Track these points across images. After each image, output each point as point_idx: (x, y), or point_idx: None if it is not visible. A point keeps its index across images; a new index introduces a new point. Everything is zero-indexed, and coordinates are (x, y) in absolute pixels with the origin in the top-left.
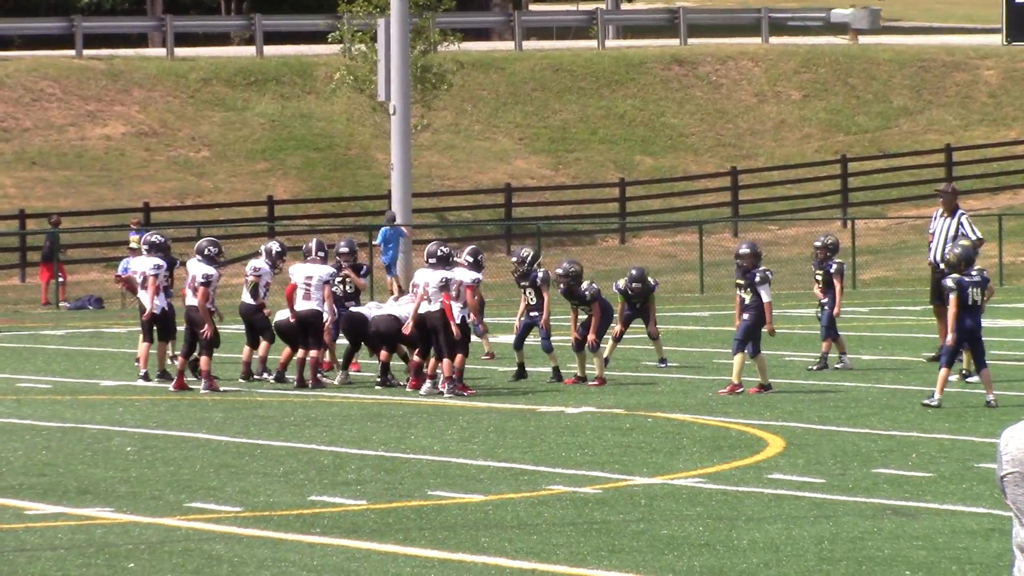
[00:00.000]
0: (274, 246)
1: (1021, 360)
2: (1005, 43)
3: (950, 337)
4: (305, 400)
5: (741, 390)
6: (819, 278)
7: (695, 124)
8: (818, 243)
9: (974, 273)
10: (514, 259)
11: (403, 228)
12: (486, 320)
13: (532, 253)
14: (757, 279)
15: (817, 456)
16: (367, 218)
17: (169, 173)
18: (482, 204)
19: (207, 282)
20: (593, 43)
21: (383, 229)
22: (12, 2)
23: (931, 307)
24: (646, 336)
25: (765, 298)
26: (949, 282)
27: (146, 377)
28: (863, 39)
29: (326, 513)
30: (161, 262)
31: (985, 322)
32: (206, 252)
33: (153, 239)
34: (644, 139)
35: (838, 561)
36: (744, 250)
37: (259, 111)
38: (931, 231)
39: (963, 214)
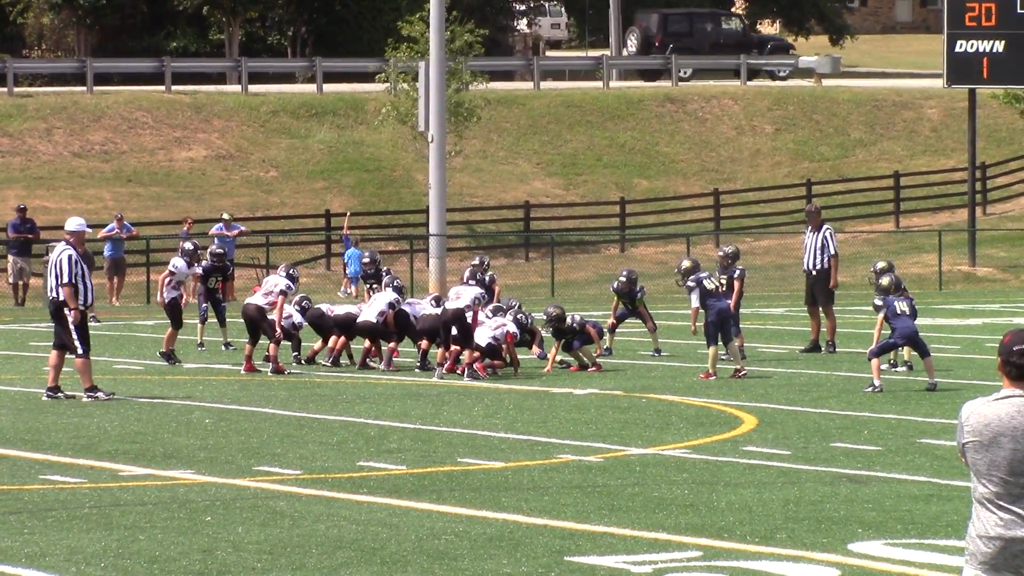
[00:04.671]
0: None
1: (956, 352)
2: (946, 86)
3: (874, 337)
4: (355, 381)
5: (715, 378)
6: (723, 281)
7: (684, 152)
8: (720, 252)
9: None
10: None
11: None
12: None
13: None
14: (690, 284)
15: (784, 432)
16: (408, 229)
17: (243, 190)
18: (505, 218)
19: (284, 293)
20: (599, 84)
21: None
22: (112, 46)
23: (834, 307)
24: (644, 329)
25: (693, 303)
26: (878, 302)
27: (170, 356)
28: (826, 82)
29: (372, 476)
30: (181, 264)
31: (926, 320)
32: (289, 272)
33: (185, 246)
34: (641, 165)
35: (801, 520)
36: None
37: (319, 138)
38: (804, 244)
39: (828, 229)
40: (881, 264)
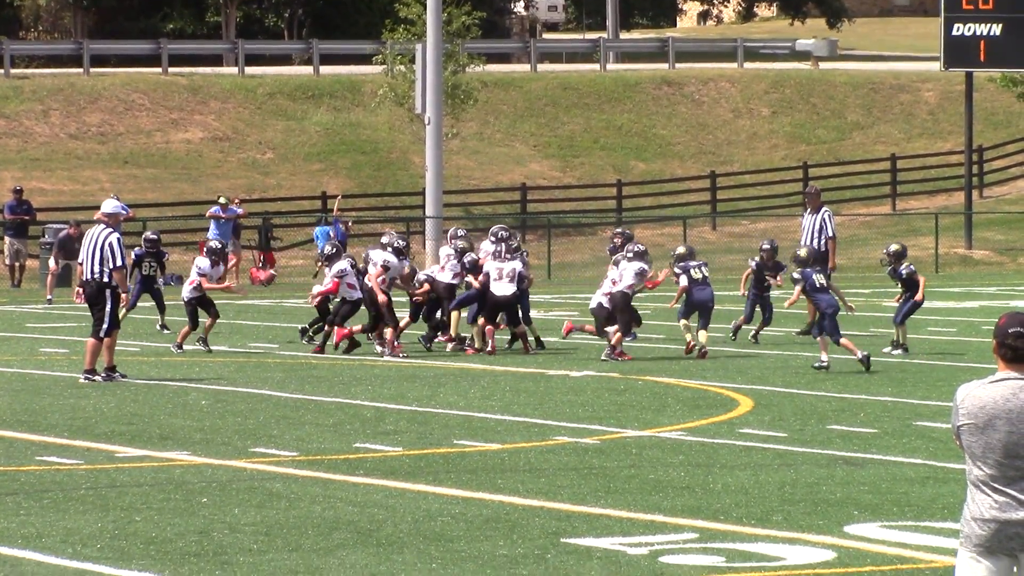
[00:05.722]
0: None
1: (952, 335)
2: (943, 69)
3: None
4: (351, 363)
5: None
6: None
7: (681, 135)
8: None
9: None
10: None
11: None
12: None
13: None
14: (677, 270)
15: (780, 414)
16: (405, 211)
17: (239, 172)
18: (501, 200)
19: (386, 267)
20: (596, 66)
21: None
22: (109, 28)
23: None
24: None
25: (682, 283)
26: (796, 274)
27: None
28: (823, 65)
29: (368, 458)
30: (205, 264)
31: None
32: (395, 245)
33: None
34: (638, 147)
35: (797, 502)
36: (893, 248)
37: (315, 120)
38: (802, 226)
39: (826, 211)
40: (895, 247)
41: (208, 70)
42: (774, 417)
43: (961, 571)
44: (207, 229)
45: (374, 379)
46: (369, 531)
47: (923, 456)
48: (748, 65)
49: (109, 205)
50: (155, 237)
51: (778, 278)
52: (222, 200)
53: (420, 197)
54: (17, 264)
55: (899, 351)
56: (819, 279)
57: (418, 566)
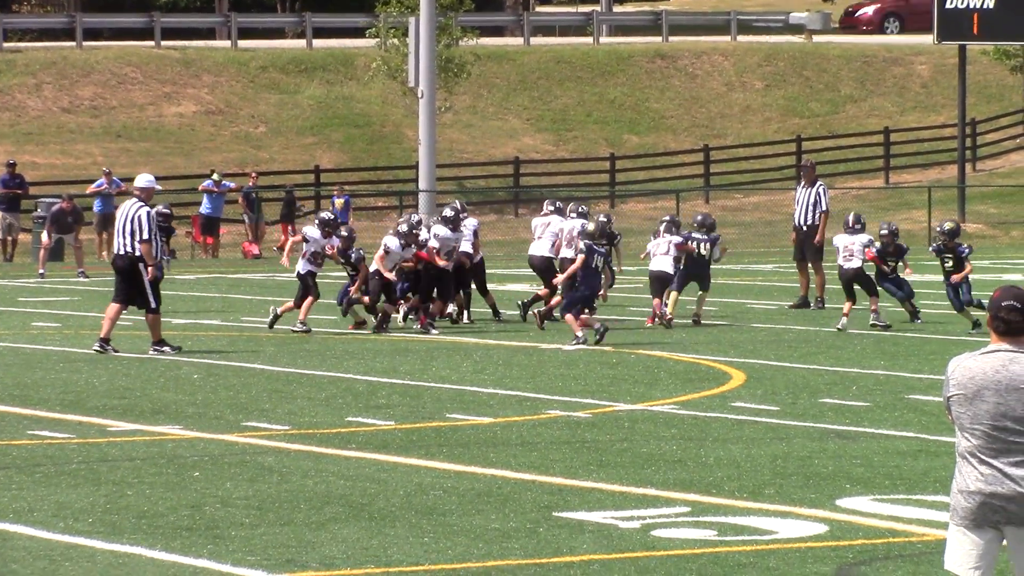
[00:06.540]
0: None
1: (945, 308)
2: (936, 42)
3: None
4: (344, 337)
5: (671, 318)
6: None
7: (674, 108)
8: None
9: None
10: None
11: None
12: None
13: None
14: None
15: (773, 388)
16: (398, 185)
17: (232, 145)
18: (495, 174)
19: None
20: (589, 40)
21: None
22: (102, 1)
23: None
24: (633, 284)
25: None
26: (581, 245)
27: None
28: (816, 38)
29: (360, 432)
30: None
31: (916, 277)
32: (452, 213)
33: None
34: (631, 121)
35: (789, 476)
36: (947, 225)
37: (308, 94)
38: (796, 200)
39: (821, 185)
40: (949, 224)
41: (201, 43)
42: (766, 391)
43: (952, 546)
44: (200, 203)
45: (366, 353)
46: (361, 505)
47: (915, 429)
48: (741, 38)
49: (143, 180)
50: (168, 211)
51: (906, 268)
52: (215, 176)
53: (413, 171)
54: (9, 238)
55: (882, 323)
56: (596, 260)
57: (410, 540)
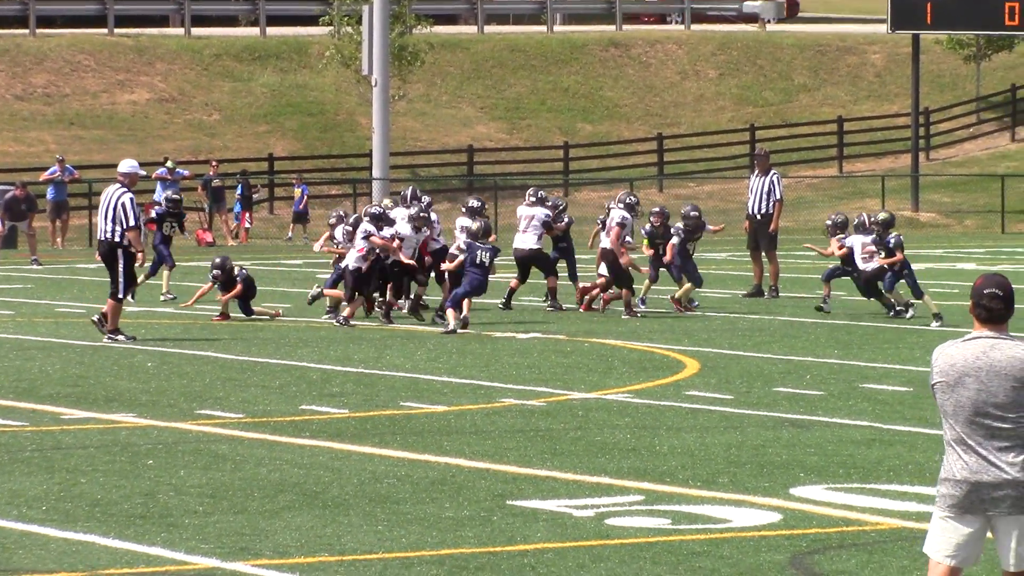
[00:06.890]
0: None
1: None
2: (889, 31)
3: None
4: (297, 324)
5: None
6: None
7: (628, 97)
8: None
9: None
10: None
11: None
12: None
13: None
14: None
15: (727, 376)
16: (352, 172)
17: (186, 133)
18: (448, 162)
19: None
20: (543, 28)
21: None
22: None
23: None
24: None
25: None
26: (462, 244)
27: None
28: (770, 27)
29: (314, 420)
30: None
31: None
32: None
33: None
34: (585, 109)
35: (743, 464)
36: (881, 216)
37: (262, 82)
38: (750, 189)
39: (775, 174)
40: (883, 215)
41: (154, 31)
42: (720, 379)
43: (933, 532)
44: (153, 191)
45: (320, 341)
46: (315, 493)
47: (869, 418)
48: (695, 27)
49: (126, 165)
50: (177, 197)
51: (897, 255)
52: (169, 164)
53: (367, 159)
54: None
55: (910, 312)
56: (482, 255)
57: (364, 528)
